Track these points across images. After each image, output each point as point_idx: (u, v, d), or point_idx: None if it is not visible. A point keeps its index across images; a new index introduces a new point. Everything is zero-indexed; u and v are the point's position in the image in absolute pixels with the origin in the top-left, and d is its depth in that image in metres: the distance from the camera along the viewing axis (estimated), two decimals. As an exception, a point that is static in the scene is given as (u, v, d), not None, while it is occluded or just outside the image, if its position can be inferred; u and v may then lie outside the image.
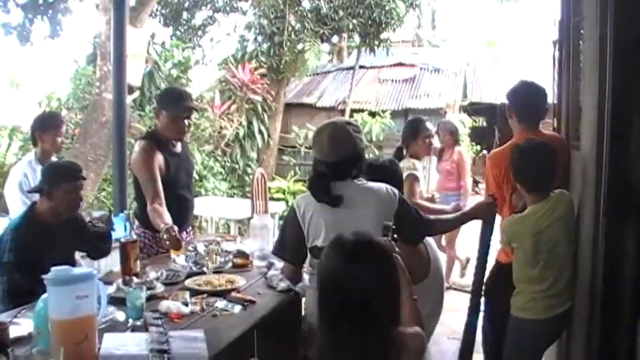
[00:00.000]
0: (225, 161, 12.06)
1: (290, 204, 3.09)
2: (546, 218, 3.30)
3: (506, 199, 3.66)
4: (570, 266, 3.35)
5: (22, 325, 2.63)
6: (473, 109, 17.54)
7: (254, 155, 12.93)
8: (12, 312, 2.88)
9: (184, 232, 4.33)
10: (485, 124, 19.71)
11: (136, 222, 4.27)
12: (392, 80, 17.49)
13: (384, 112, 14.74)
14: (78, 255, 4.36)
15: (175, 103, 4.26)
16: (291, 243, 3.07)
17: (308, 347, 3.02)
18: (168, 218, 3.93)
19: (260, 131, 13.01)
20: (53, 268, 2.37)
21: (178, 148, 4.40)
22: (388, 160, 3.64)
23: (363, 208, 2.97)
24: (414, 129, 5.35)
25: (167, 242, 3.76)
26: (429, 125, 5.45)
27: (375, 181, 3.15)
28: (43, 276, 2.32)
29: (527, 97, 3.79)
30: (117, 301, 2.93)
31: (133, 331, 2.68)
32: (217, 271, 3.64)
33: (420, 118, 5.67)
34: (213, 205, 8.71)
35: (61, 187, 3.40)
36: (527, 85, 3.85)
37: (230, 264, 3.82)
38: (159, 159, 4.17)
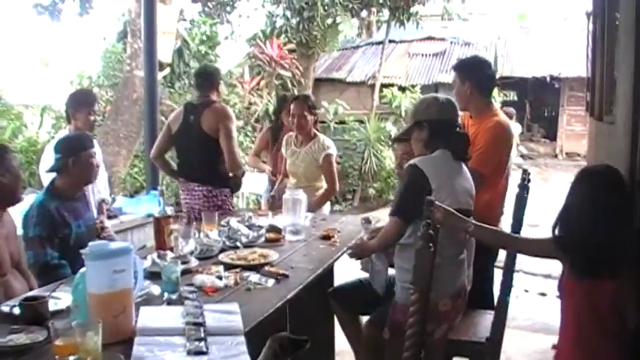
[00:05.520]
0: (254, 137, 12.06)
1: (410, 166, 3.08)
2: None
3: None
4: None
5: (60, 299, 2.68)
6: (504, 83, 17.32)
7: (284, 130, 12.85)
8: (50, 286, 2.92)
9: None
10: (516, 98, 19.49)
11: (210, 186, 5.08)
12: (422, 54, 17.37)
13: (413, 86, 14.66)
14: (112, 230, 4.44)
15: None
16: (413, 202, 2.99)
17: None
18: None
19: (290, 106, 12.94)
20: (90, 243, 2.40)
21: None
22: None
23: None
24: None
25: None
26: None
27: None
28: (82, 250, 2.34)
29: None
30: (152, 276, 2.95)
31: (168, 304, 2.71)
32: (250, 246, 3.66)
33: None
34: (243, 180, 8.69)
35: (81, 157, 3.52)
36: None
37: (263, 239, 3.84)
38: None
